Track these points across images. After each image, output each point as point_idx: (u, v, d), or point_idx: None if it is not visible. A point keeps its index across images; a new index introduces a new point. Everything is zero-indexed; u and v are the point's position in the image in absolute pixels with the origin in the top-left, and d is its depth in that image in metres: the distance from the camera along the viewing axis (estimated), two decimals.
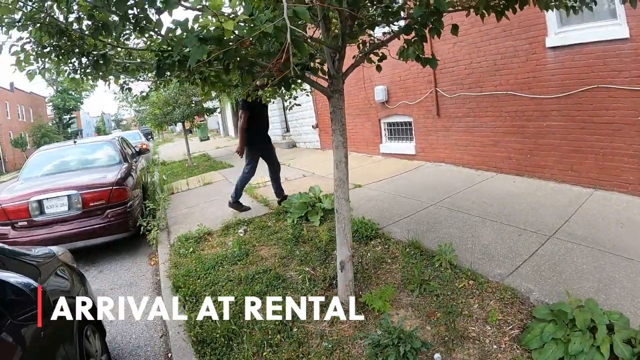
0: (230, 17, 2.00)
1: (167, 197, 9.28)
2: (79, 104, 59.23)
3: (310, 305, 3.77)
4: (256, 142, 6.98)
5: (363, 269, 4.34)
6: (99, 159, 8.05)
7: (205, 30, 1.98)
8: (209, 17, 1.95)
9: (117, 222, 6.29)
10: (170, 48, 2.43)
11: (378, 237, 5.07)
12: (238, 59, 2.34)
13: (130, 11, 2.37)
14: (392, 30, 3.54)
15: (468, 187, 6.76)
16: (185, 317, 3.94)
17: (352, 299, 3.63)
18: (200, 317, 3.82)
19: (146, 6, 2.28)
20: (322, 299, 3.83)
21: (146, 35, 2.85)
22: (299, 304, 3.81)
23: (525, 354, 2.86)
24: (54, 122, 54.02)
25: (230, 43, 2.05)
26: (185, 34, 2.07)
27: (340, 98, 3.34)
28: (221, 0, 1.95)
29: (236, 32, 1.98)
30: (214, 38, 1.98)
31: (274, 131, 18.17)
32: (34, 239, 5.88)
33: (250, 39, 1.97)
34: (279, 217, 6.41)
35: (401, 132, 10.15)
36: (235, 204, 7.08)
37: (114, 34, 2.57)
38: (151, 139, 42.98)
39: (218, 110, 15.09)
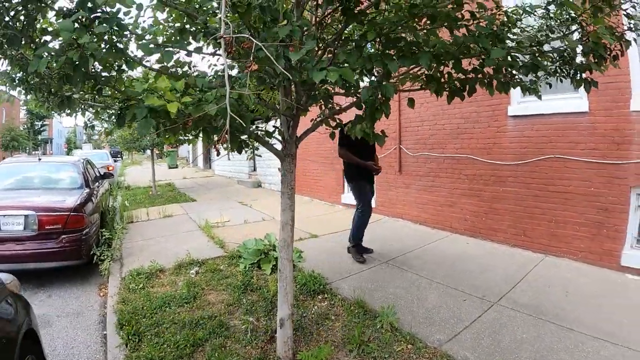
0: (177, 94, 2.08)
1: (125, 226, 9.15)
2: (57, 114, 58.11)
3: (249, 357, 3.77)
4: (362, 172, 6.11)
5: (305, 324, 4.34)
6: (60, 180, 7.89)
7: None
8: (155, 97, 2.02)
9: (71, 248, 6.15)
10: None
11: (325, 292, 5.08)
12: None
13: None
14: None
15: (422, 246, 6.88)
16: (126, 355, 3.89)
17: (289, 355, 3.65)
18: (140, 358, 3.78)
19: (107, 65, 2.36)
20: (261, 352, 3.83)
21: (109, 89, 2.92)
22: (239, 354, 3.80)
23: None
24: (25, 127, 52.77)
25: (177, 119, 2.14)
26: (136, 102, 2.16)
27: (292, 162, 3.41)
28: (167, 82, 2.02)
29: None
30: (163, 111, 2.06)
31: (241, 168, 18.25)
32: None
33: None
34: (232, 261, 6.38)
35: None
36: (356, 248, 6.27)
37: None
38: (120, 159, 42.44)
39: (188, 142, 15.00)
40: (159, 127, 2.27)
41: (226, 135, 1.75)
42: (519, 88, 3.43)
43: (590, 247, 5.62)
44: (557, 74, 3.48)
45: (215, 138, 2.19)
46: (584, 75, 3.44)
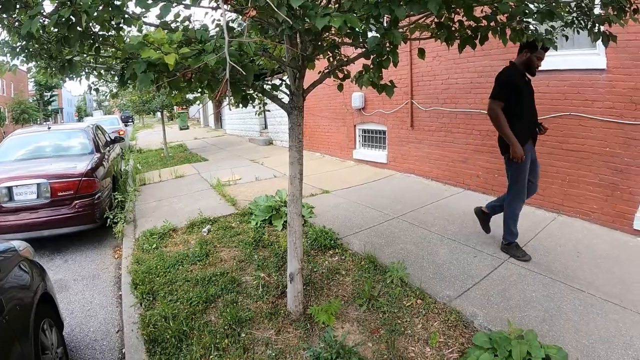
0: (174, 45, 2.04)
1: (137, 188, 9.23)
2: (61, 81, 57.96)
3: (260, 312, 3.82)
4: (524, 140, 4.50)
5: (316, 279, 4.38)
6: (71, 147, 7.96)
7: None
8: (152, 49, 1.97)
9: (85, 213, 6.25)
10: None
11: (336, 248, 5.12)
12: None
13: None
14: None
15: (433, 202, 6.86)
16: (141, 314, 3.98)
17: (299, 310, 3.69)
18: (154, 316, 3.85)
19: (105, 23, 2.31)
20: (272, 307, 3.89)
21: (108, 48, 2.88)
22: (250, 309, 3.86)
23: None
24: (35, 98, 52.85)
25: (177, 72, 2.10)
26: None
27: (299, 115, 3.35)
28: (163, 34, 1.97)
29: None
30: (161, 64, 2.02)
31: (252, 127, 18.19)
32: (2, 225, 5.88)
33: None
34: (244, 218, 6.43)
35: (375, 140, 10.28)
36: (511, 247, 4.77)
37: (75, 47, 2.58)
38: (132, 123, 42.56)
39: (197, 102, 14.96)
40: (159, 82, 2.23)
41: (227, 87, 1.71)
42: (536, 40, 3.31)
43: (603, 208, 5.53)
44: (574, 25, 3.36)
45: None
46: (602, 29, 3.31)
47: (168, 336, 3.55)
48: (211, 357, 3.28)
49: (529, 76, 4.60)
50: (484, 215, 5.17)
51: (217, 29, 3.23)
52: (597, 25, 3.27)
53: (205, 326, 3.66)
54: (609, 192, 5.45)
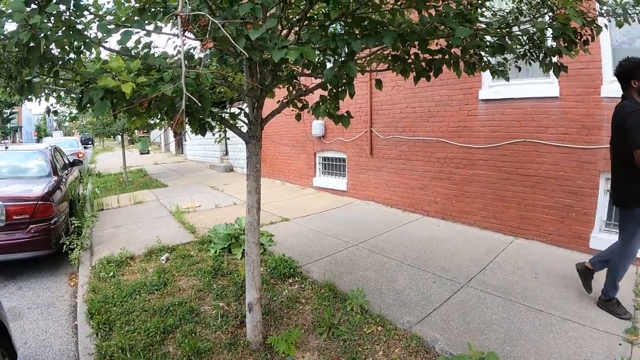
0: (132, 74, 2.03)
1: (95, 214, 9.01)
2: (19, 99, 56.47)
3: (219, 342, 3.75)
4: None
5: (276, 309, 4.34)
6: (28, 168, 7.71)
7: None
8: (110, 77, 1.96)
9: (40, 238, 6.01)
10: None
11: (296, 276, 5.09)
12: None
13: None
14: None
15: (393, 229, 6.92)
16: (97, 345, 3.85)
17: (259, 340, 3.65)
18: (111, 347, 3.73)
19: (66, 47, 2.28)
20: (232, 337, 3.82)
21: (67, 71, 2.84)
22: (209, 340, 3.78)
23: None
24: None
25: (134, 100, 2.08)
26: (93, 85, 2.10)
27: (257, 144, 3.36)
28: (121, 62, 1.96)
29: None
30: (119, 92, 2.01)
31: (213, 153, 18.11)
32: None
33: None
34: (203, 246, 6.34)
35: (335, 168, 10.39)
36: (611, 303, 4.04)
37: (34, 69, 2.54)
38: (91, 145, 41.71)
39: (158, 127, 14.80)
40: (116, 109, 2.21)
41: (183, 116, 1.70)
42: (489, 72, 3.42)
43: (559, 229, 5.73)
44: (527, 57, 3.48)
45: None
46: (554, 59, 3.44)
47: None
48: None
49: None
50: (587, 272, 4.34)
51: (178, 56, 3.23)
52: (548, 56, 3.40)
53: (163, 358, 3.56)
54: (564, 214, 5.65)
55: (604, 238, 5.27)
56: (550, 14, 3.20)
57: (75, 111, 4.71)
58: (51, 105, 4.14)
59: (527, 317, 3.89)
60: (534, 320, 3.83)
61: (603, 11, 3.43)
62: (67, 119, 6.31)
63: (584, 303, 4.10)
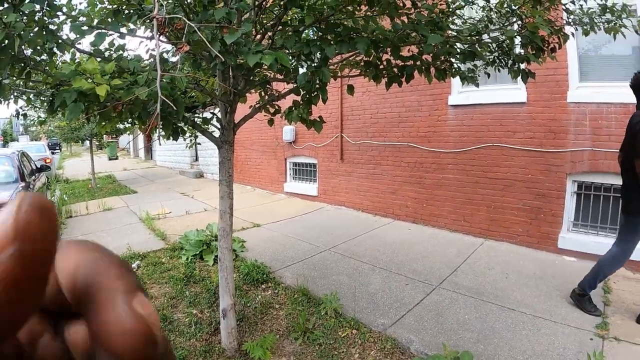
0: (107, 76, 2.01)
1: (63, 221, 8.80)
2: None
3: (194, 350, 3.70)
4: None
5: (250, 314, 4.31)
6: None
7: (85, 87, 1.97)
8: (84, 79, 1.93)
9: None
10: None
11: (269, 281, 5.06)
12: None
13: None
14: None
15: (364, 233, 6.95)
16: None
17: (234, 346, 3.63)
18: None
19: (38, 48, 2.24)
20: (206, 344, 3.78)
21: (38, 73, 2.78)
22: (183, 348, 3.73)
23: None
24: None
25: (108, 103, 2.06)
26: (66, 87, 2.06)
27: (230, 149, 3.35)
28: (96, 64, 1.94)
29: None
30: (93, 94, 1.98)
31: (183, 159, 17.88)
32: None
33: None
34: (174, 253, 6.23)
35: (306, 173, 10.39)
36: (584, 299, 4.13)
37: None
38: (59, 151, 40.72)
39: (128, 132, 14.53)
40: (89, 112, 2.18)
41: (158, 120, 1.69)
42: (460, 78, 3.48)
43: (528, 231, 5.87)
44: (496, 64, 3.57)
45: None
46: (522, 66, 3.54)
47: None
48: None
49: None
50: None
51: (151, 59, 3.20)
52: (517, 63, 3.50)
53: None
54: (533, 215, 5.79)
55: (571, 238, 5.45)
56: (520, 22, 3.29)
57: (44, 115, 4.58)
58: (20, 108, 4.04)
59: (499, 316, 3.96)
60: (506, 319, 3.91)
61: (570, 20, 3.57)
62: (36, 122, 6.10)
63: (555, 301, 4.20)
